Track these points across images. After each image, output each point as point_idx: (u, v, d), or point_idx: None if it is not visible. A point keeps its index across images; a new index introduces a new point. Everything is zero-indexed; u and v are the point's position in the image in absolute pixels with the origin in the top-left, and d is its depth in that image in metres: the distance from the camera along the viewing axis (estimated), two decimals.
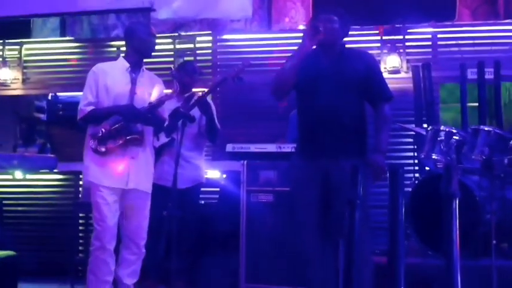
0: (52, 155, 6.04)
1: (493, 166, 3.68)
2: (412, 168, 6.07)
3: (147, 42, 4.04)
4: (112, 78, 4.01)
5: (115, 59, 6.92)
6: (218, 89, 5.42)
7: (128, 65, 4.06)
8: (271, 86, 3.83)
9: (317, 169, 3.73)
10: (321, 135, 3.74)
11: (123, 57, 4.17)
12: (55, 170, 6.51)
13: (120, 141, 3.84)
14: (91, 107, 3.95)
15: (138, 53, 4.07)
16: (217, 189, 6.01)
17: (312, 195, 3.75)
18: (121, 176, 3.87)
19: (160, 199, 4.52)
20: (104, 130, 3.84)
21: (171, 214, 4.00)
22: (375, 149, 3.75)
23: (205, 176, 5.23)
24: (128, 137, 3.86)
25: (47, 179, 6.96)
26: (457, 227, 2.88)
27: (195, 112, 4.71)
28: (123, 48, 6.78)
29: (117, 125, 3.85)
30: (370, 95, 3.84)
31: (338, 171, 3.66)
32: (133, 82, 4.01)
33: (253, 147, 4.94)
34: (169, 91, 4.37)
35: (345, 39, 3.92)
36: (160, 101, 3.99)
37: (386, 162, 3.74)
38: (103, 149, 3.81)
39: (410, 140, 6.21)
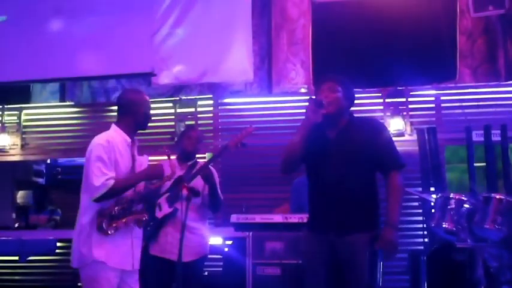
0: (52, 238, 5.91)
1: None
2: (421, 232, 5.95)
3: (148, 116, 3.86)
4: (120, 154, 3.70)
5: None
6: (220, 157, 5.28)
7: (129, 139, 3.77)
8: (279, 162, 3.73)
9: (324, 244, 3.61)
10: (328, 209, 3.63)
11: (118, 125, 3.78)
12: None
13: (125, 221, 3.64)
14: (112, 181, 3.61)
15: (137, 125, 3.82)
16: (220, 256, 5.86)
17: (320, 270, 3.62)
18: (127, 257, 3.66)
19: (166, 274, 4.38)
20: (116, 209, 3.63)
21: None
22: (387, 223, 3.60)
23: (209, 243, 5.08)
24: (133, 217, 3.68)
25: None
26: None
27: (198, 181, 4.59)
28: None
29: (120, 206, 3.66)
30: (380, 164, 3.71)
31: (345, 247, 3.54)
32: (133, 158, 3.79)
33: (259, 218, 4.82)
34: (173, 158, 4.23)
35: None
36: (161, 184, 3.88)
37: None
38: (112, 231, 3.61)
39: (416, 203, 6.09)
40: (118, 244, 3.61)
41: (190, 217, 4.45)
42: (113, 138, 3.71)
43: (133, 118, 3.78)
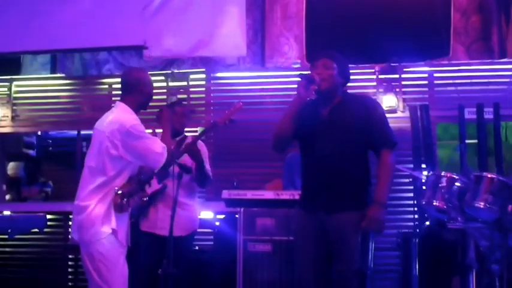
0: (42, 213, 5.91)
1: (503, 222, 3.57)
2: (411, 209, 5.98)
3: (151, 96, 3.88)
4: None
5: (107, 96, 6.93)
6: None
7: (137, 118, 3.77)
8: (271, 138, 3.72)
9: (315, 222, 3.62)
10: (320, 187, 3.63)
11: (125, 103, 3.77)
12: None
13: (134, 200, 3.69)
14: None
15: (140, 105, 3.83)
16: (211, 230, 5.88)
17: (311, 248, 3.65)
18: (128, 234, 3.72)
19: (156, 249, 4.38)
20: (131, 188, 3.66)
21: (167, 272, 3.82)
22: (374, 201, 3.61)
23: (199, 217, 5.07)
24: (138, 196, 3.73)
25: None
26: None
27: (188, 157, 4.57)
28: (116, 86, 6.77)
29: (133, 184, 3.69)
30: (372, 142, 3.71)
31: (336, 226, 3.55)
32: None
33: (250, 194, 4.81)
34: None
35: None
36: None
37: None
38: (127, 208, 3.64)
39: (408, 180, 6.10)
40: (124, 221, 3.67)
41: (180, 193, 4.44)
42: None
43: (138, 98, 3.79)
